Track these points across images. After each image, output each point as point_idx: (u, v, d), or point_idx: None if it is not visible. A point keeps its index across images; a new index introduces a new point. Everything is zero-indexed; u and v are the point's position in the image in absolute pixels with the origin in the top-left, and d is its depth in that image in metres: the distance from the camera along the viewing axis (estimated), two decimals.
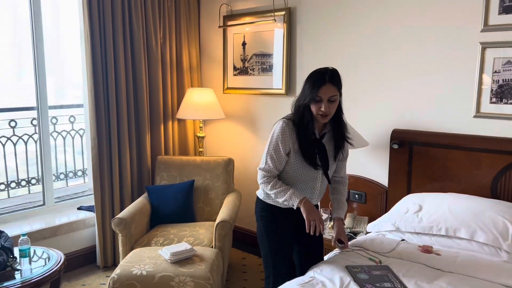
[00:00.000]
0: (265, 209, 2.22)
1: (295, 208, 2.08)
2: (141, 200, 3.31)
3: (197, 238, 2.98)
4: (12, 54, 3.54)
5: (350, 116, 3.05)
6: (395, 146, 2.84)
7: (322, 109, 1.99)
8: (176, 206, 3.33)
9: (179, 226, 3.20)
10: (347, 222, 2.93)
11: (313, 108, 2.02)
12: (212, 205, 3.45)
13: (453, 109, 2.71)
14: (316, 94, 1.99)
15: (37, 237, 3.20)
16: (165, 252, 2.58)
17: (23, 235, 2.52)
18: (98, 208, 3.38)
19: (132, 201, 3.53)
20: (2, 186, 3.51)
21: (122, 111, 3.44)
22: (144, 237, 3.06)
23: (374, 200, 3.05)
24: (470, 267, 2.01)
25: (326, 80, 1.99)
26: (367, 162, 3.10)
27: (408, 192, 2.86)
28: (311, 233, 2.04)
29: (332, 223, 2.38)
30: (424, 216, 2.41)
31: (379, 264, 2.10)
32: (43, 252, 2.70)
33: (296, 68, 3.40)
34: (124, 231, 2.92)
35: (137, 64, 3.52)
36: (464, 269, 2.01)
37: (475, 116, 2.63)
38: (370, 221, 2.99)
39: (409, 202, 2.58)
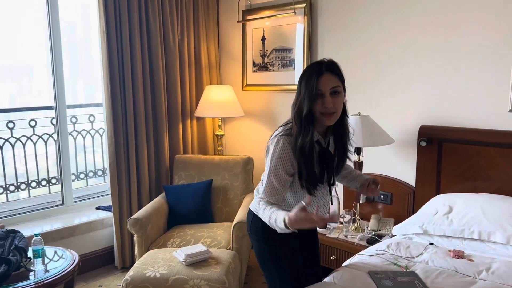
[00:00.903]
0: (267, 229, 1.76)
1: (279, 231, 1.64)
2: (158, 200, 3.24)
3: (214, 240, 2.88)
4: (34, 52, 3.54)
5: (374, 112, 2.90)
6: (423, 144, 2.66)
7: (325, 104, 1.65)
8: (194, 206, 3.24)
9: (197, 227, 3.11)
10: (371, 224, 2.77)
11: (316, 108, 1.68)
12: (231, 205, 3.35)
13: (486, 103, 2.52)
14: (316, 87, 1.64)
15: (54, 237, 3.17)
16: (180, 254, 2.49)
17: (36, 235, 2.48)
18: (116, 208, 3.33)
19: (150, 200, 3.46)
20: (23, 186, 3.50)
21: (139, 109, 3.38)
22: (161, 238, 2.98)
23: (401, 201, 2.88)
24: (506, 275, 1.83)
25: (323, 69, 1.66)
26: (392, 161, 2.93)
27: (437, 193, 2.68)
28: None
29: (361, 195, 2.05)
30: (454, 218, 2.23)
31: (405, 270, 1.95)
32: (58, 252, 2.66)
33: None
34: (140, 231, 2.85)
35: (154, 61, 3.46)
36: (500, 277, 1.83)
37: (510, 111, 2.43)
38: (396, 223, 2.82)
39: (438, 203, 2.40)
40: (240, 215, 2.90)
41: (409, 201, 2.84)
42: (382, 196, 2.95)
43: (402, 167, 2.89)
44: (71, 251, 2.66)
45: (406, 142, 2.85)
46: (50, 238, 3.14)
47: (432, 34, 2.68)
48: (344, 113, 1.77)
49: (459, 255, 2.02)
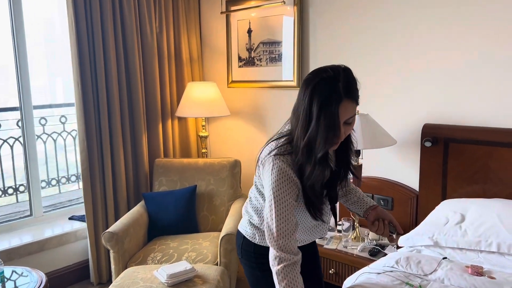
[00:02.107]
0: (261, 255, 1.55)
1: None
2: (137, 209, 2.94)
3: (200, 253, 2.60)
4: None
5: (374, 110, 2.66)
6: (428, 144, 2.43)
7: (337, 139, 1.36)
8: (177, 215, 2.96)
9: (180, 238, 2.83)
10: (372, 233, 2.52)
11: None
12: (217, 213, 3.07)
13: (497, 99, 2.30)
14: (337, 120, 1.31)
15: (21, 253, 2.85)
16: (161, 274, 2.21)
17: None
18: (90, 218, 3.02)
19: (128, 209, 3.16)
20: None
21: (114, 109, 3.06)
22: (140, 252, 2.69)
23: (403, 206, 2.65)
24: None
25: (342, 95, 1.31)
26: (394, 163, 2.69)
27: (443, 197, 2.46)
28: None
29: (369, 225, 1.63)
30: (468, 228, 2.00)
31: None
32: (20, 273, 2.34)
33: (309, 57, 3.00)
34: (116, 246, 2.55)
35: (130, 56, 3.15)
36: None
37: None
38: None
39: (448, 211, 2.18)
40: (228, 225, 2.63)
41: (412, 207, 2.61)
42: (382, 201, 2.72)
43: (404, 170, 2.66)
44: (37, 272, 2.35)
45: (409, 142, 2.62)
46: (16, 254, 2.82)
47: (439, 26, 2.45)
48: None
49: (478, 271, 1.80)
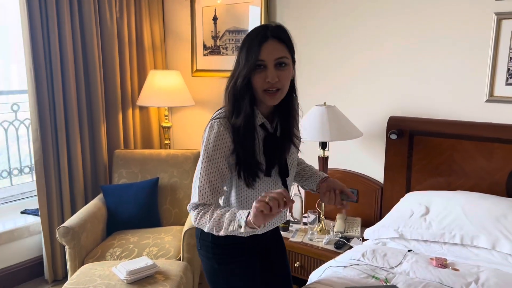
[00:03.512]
0: (218, 245, 1.49)
1: (242, 230, 1.28)
2: (95, 203, 2.79)
3: (162, 248, 2.51)
4: None
5: (341, 102, 2.63)
6: (393, 137, 2.43)
7: (268, 79, 1.32)
8: (138, 208, 2.84)
9: (141, 233, 2.71)
10: (337, 225, 2.51)
11: (256, 83, 1.35)
12: (181, 206, 2.97)
13: (461, 92, 2.32)
14: (256, 56, 1.32)
15: None
16: (121, 270, 2.10)
17: None
18: (44, 212, 2.85)
19: (86, 203, 3.01)
20: None
21: (70, 97, 2.89)
22: (98, 247, 2.56)
23: (368, 198, 2.65)
24: (498, 287, 1.63)
25: (268, 35, 1.33)
26: (359, 155, 2.68)
27: (408, 189, 2.47)
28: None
29: (321, 196, 1.57)
30: (433, 220, 2.01)
31: (385, 284, 1.70)
32: None
33: None
34: (72, 242, 2.41)
35: (88, 42, 2.97)
36: None
37: (487, 101, 2.25)
38: (363, 222, 2.60)
39: (413, 203, 2.18)
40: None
41: (377, 199, 2.61)
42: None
43: (369, 162, 2.66)
44: None
45: (374, 135, 2.61)
46: None
47: (404, 18, 2.44)
48: (292, 91, 1.46)
49: (442, 263, 1.80)
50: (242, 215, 1.26)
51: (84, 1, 2.91)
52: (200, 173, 1.38)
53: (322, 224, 2.55)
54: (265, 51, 1.32)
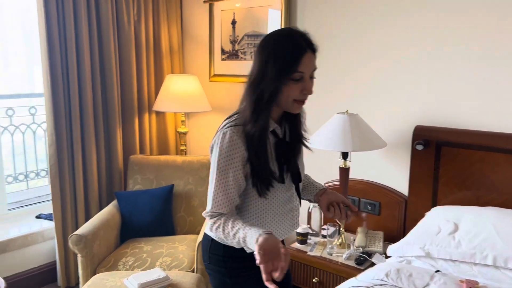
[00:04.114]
0: (231, 258, 1.45)
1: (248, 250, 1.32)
2: (109, 210, 2.74)
3: (176, 259, 2.43)
4: None
5: (364, 110, 2.52)
6: (419, 147, 2.30)
7: (306, 91, 1.33)
8: (152, 216, 2.77)
9: (155, 241, 2.65)
10: (358, 239, 2.40)
11: (290, 93, 1.32)
12: (196, 214, 2.90)
13: (492, 101, 2.18)
14: (296, 68, 1.29)
15: None
16: (132, 282, 2.03)
17: None
18: (58, 218, 2.81)
19: (100, 209, 2.96)
20: None
21: (86, 101, 2.85)
22: (111, 256, 2.50)
23: (390, 211, 2.53)
24: None
25: (305, 47, 1.32)
26: (383, 166, 2.56)
27: (434, 203, 2.34)
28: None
29: (324, 212, 1.54)
30: (463, 238, 1.88)
31: None
32: None
33: None
34: (84, 250, 2.36)
35: (105, 46, 2.93)
36: None
37: None
38: (386, 237, 2.48)
39: (440, 219, 2.05)
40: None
41: (400, 212, 2.49)
42: (369, 206, 2.59)
43: (393, 173, 2.53)
44: None
45: (398, 145, 2.49)
46: None
47: (431, 21, 2.31)
48: None
49: (473, 286, 1.67)
50: (251, 241, 1.23)
51: (101, 4, 2.87)
52: (215, 183, 1.36)
53: (342, 238, 2.44)
54: (304, 64, 1.31)
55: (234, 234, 1.30)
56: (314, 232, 2.56)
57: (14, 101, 3.30)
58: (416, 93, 2.41)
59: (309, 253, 2.37)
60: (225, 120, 1.43)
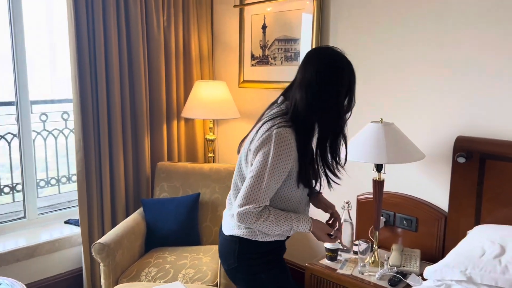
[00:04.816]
0: (262, 253, 1.58)
1: (308, 230, 1.57)
2: (134, 217, 2.70)
3: (199, 271, 2.35)
4: None
5: (400, 119, 2.36)
6: (461, 160, 2.12)
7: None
8: (177, 225, 2.71)
9: (179, 251, 2.58)
10: (393, 257, 2.23)
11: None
12: None
13: None
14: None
15: (9, 259, 2.64)
16: None
17: None
18: (84, 224, 2.80)
19: (127, 215, 2.93)
20: None
21: (114, 107, 2.83)
22: (134, 265, 2.45)
23: (428, 228, 2.34)
24: None
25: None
26: (420, 179, 2.39)
27: (477, 221, 2.15)
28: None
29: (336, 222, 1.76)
30: (510, 263, 1.69)
31: None
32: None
33: None
34: (107, 260, 2.32)
35: (134, 52, 2.91)
36: None
37: None
38: (423, 255, 2.30)
39: (484, 240, 1.87)
40: None
41: (440, 229, 2.30)
42: (405, 221, 2.42)
43: (431, 187, 2.35)
44: (16, 283, 2.12)
45: (438, 157, 2.31)
46: (4, 261, 2.62)
47: (477, 27, 2.13)
48: None
49: None
50: (306, 226, 1.54)
51: (131, 10, 2.86)
52: (266, 180, 1.45)
53: (375, 255, 2.28)
54: None
55: (284, 221, 1.49)
56: (345, 248, 2.41)
57: (48, 106, 3.36)
58: (458, 101, 2.22)
59: (339, 270, 2.22)
60: (270, 118, 1.54)
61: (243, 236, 1.54)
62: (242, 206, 1.46)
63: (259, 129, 1.54)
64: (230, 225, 1.59)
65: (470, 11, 2.13)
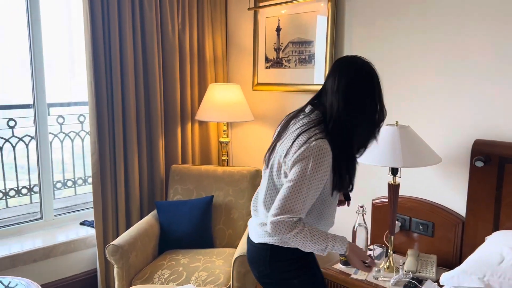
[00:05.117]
0: (297, 258, 1.60)
1: (344, 252, 1.54)
2: (148, 219, 2.71)
3: (212, 274, 2.34)
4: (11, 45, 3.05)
5: (416, 122, 2.32)
6: (479, 164, 2.07)
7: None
8: (191, 227, 2.71)
9: (192, 254, 2.58)
10: (408, 263, 2.19)
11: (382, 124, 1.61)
12: (235, 227, 2.81)
13: None
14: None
15: (25, 259, 2.68)
16: None
17: None
18: (99, 226, 2.82)
19: (141, 217, 2.95)
20: None
21: (129, 109, 2.86)
22: (148, 267, 2.46)
23: (445, 233, 2.29)
24: None
25: None
26: (437, 183, 2.34)
27: (495, 227, 2.09)
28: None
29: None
30: None
31: None
32: (16, 285, 2.15)
33: None
34: (121, 261, 2.33)
35: (149, 54, 2.93)
36: None
37: None
38: (439, 261, 2.26)
39: (503, 246, 1.81)
40: (244, 244, 2.35)
41: (457, 234, 2.25)
42: (421, 226, 2.37)
43: (448, 191, 2.30)
44: (32, 284, 2.15)
45: (455, 161, 2.26)
46: (21, 261, 2.66)
47: (492, 26, 2.08)
48: None
49: None
50: (342, 245, 1.51)
51: (146, 14, 2.88)
52: (304, 191, 1.45)
53: (390, 260, 2.24)
54: None
55: (319, 238, 1.47)
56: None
57: (65, 109, 3.40)
58: (476, 103, 2.17)
59: (353, 276, 2.19)
60: (306, 129, 1.53)
61: (274, 244, 1.56)
62: (277, 216, 1.45)
63: (295, 140, 1.52)
64: (260, 233, 1.60)
65: (488, 13, 2.09)
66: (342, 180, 1.54)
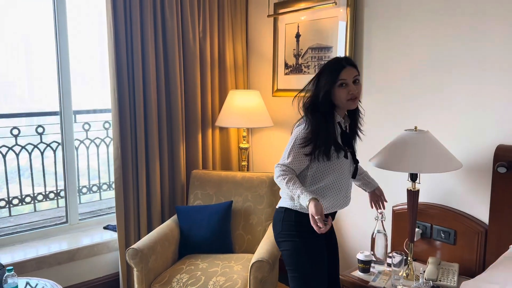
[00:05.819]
0: (301, 222, 1.87)
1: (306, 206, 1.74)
2: (169, 224, 2.75)
3: (229, 279, 2.35)
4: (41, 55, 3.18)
5: (436, 127, 2.28)
6: (502, 170, 2.01)
7: (351, 91, 1.85)
8: (210, 232, 2.74)
9: (211, 258, 2.60)
10: (428, 271, 2.14)
11: (340, 95, 1.86)
12: (254, 232, 2.81)
13: None
14: (338, 77, 1.84)
15: (51, 262, 2.76)
16: None
17: (9, 270, 2.04)
18: (121, 230, 2.88)
19: (162, 222, 2.99)
20: (28, 199, 3.14)
21: (151, 116, 2.92)
22: (167, 271, 2.49)
23: (468, 241, 2.23)
24: None
25: (344, 64, 1.86)
26: (459, 190, 2.29)
27: None
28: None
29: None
30: None
31: None
32: (37, 286, 2.22)
33: (362, 64, 2.66)
34: (140, 265, 2.37)
35: (171, 62, 2.99)
36: None
37: None
38: (461, 270, 2.20)
39: None
40: (262, 249, 2.36)
41: (480, 242, 2.19)
42: (442, 234, 2.32)
43: (470, 198, 2.25)
44: (56, 286, 2.21)
45: (477, 166, 2.21)
46: (46, 263, 2.74)
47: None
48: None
49: None
50: (305, 200, 1.72)
51: (168, 22, 2.94)
52: (290, 148, 1.90)
53: (410, 268, 2.19)
54: (344, 74, 1.85)
55: (293, 189, 1.76)
56: (378, 260, 2.34)
57: (91, 116, 3.50)
58: (498, 108, 2.12)
59: (372, 283, 2.16)
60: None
61: (287, 207, 1.91)
62: (277, 164, 1.90)
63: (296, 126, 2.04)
64: (281, 200, 1.97)
65: (510, 14, 2.04)
66: (319, 141, 1.85)
